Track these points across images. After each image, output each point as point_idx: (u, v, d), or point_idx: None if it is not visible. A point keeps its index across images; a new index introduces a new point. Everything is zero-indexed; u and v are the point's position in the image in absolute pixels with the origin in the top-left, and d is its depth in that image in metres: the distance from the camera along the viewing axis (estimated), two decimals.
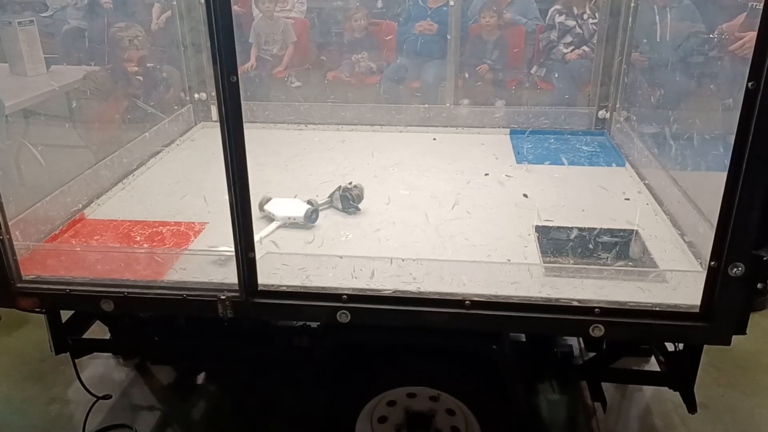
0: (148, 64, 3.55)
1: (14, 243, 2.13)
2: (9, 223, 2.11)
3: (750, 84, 1.60)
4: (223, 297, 2.05)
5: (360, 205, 2.63)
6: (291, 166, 3.15)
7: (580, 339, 3.07)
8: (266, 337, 2.65)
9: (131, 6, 4.28)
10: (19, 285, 2.15)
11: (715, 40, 2.94)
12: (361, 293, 2.03)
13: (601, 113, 3.55)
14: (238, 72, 1.78)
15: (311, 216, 2.49)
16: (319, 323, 2.41)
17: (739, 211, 1.72)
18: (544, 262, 2.21)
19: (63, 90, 3.93)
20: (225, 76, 1.76)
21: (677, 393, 2.38)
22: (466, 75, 4.27)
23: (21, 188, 2.56)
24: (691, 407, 2.32)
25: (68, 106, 4.15)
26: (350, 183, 2.63)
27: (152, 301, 2.11)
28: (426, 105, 3.78)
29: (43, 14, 4.93)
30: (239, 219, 1.92)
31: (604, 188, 2.84)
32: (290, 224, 2.49)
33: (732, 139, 1.69)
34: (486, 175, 3.01)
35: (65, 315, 2.54)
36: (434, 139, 3.57)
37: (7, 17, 4.16)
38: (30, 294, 2.15)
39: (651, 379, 2.63)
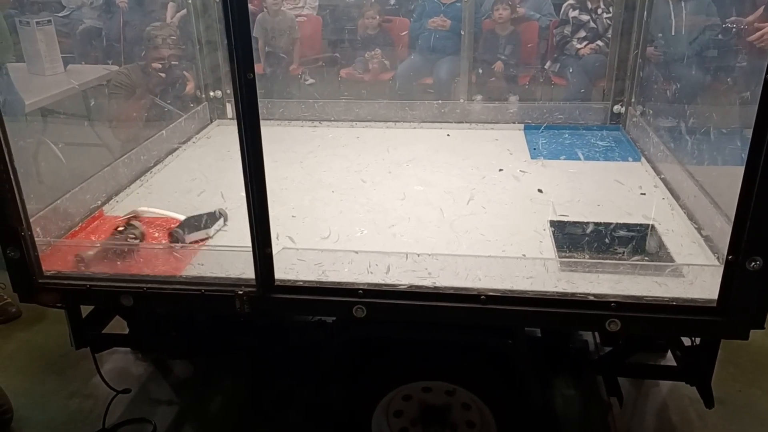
0: (173, 63, 3.61)
1: (35, 239, 2.17)
2: (30, 220, 2.15)
3: None
4: (241, 292, 2.07)
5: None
6: (306, 163, 3.17)
7: (596, 333, 3.06)
8: (282, 331, 2.67)
9: (146, 5, 4.32)
10: (40, 280, 2.18)
11: (733, 30, 2.92)
12: (377, 288, 2.04)
13: (616, 108, 3.53)
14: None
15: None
16: (335, 318, 2.43)
17: (757, 205, 1.71)
18: (560, 257, 2.20)
19: (82, 88, 3.98)
20: (242, 74, 1.78)
21: (694, 388, 2.37)
22: (480, 71, 4.27)
23: (41, 186, 2.59)
24: (708, 402, 2.30)
25: (86, 105, 4.21)
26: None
27: (171, 297, 2.13)
28: (440, 101, 3.78)
29: (60, 14, 5.00)
30: (256, 215, 1.94)
31: (620, 183, 2.83)
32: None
33: (749, 132, 1.68)
34: (500, 170, 3.01)
35: (84, 310, 2.57)
36: (448, 135, 3.57)
37: (26, 17, 4.22)
38: (51, 289, 2.19)
39: (668, 373, 2.61)
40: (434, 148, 3.33)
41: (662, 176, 2.84)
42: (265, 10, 5.24)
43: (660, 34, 3.32)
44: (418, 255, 2.14)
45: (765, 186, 1.68)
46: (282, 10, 5.32)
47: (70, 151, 2.93)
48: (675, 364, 2.48)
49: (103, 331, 2.65)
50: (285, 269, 2.11)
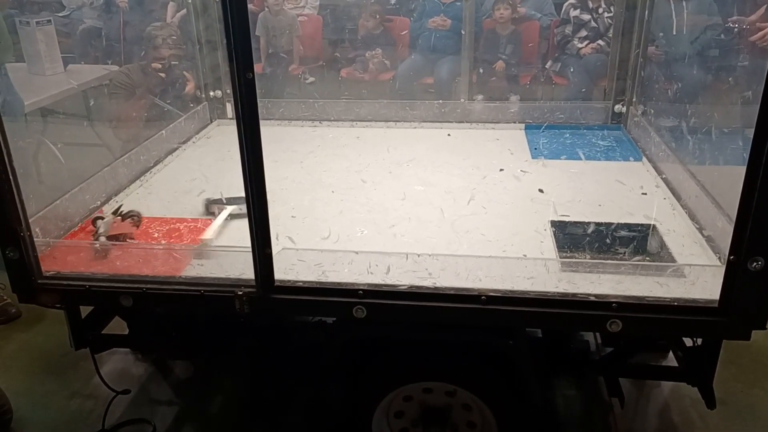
0: (173, 63, 3.61)
1: (34, 239, 2.16)
2: (29, 220, 2.14)
3: None
4: (240, 293, 2.06)
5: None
6: (306, 163, 3.16)
7: (597, 334, 3.05)
8: (283, 332, 2.67)
9: (147, 5, 4.32)
10: (40, 281, 2.17)
11: (735, 30, 2.91)
12: (377, 289, 2.03)
13: (618, 107, 3.52)
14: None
15: None
16: (335, 318, 2.42)
17: (758, 205, 1.70)
18: (561, 257, 2.20)
19: (81, 88, 3.97)
20: (241, 73, 1.77)
21: (695, 389, 2.36)
22: (481, 70, 4.26)
23: (40, 186, 2.59)
24: (710, 403, 2.30)
25: (85, 105, 4.20)
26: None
27: (170, 297, 2.12)
28: (440, 101, 3.77)
29: (60, 14, 4.99)
30: (256, 215, 1.94)
31: (621, 183, 2.82)
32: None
33: (751, 132, 1.67)
34: (501, 170, 3.00)
35: (84, 311, 2.56)
36: (449, 135, 3.56)
37: (26, 17, 4.22)
38: (51, 290, 2.18)
39: (669, 374, 2.61)
40: (435, 147, 3.33)
41: (663, 176, 2.83)
42: (266, 9, 5.24)
43: (661, 34, 3.31)
44: (419, 255, 2.13)
45: (766, 186, 1.67)
46: (283, 9, 5.32)
47: (69, 151, 2.93)
48: (676, 364, 2.47)
49: (103, 332, 2.65)
50: (285, 270, 2.10)
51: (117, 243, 2.36)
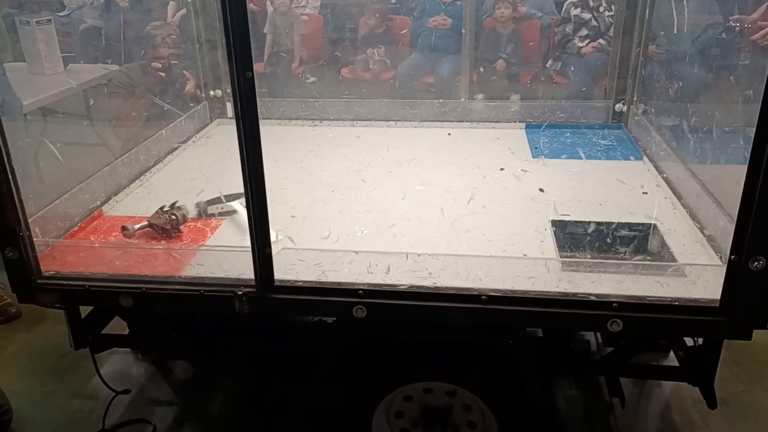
0: (172, 62, 3.60)
1: (34, 239, 2.16)
2: (29, 220, 2.14)
3: None
4: (240, 293, 2.06)
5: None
6: (306, 162, 3.16)
7: (598, 334, 3.05)
8: (283, 332, 2.66)
9: (147, 4, 4.31)
10: (39, 281, 2.17)
11: (736, 28, 2.90)
12: (377, 288, 2.03)
13: (618, 106, 3.52)
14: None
15: None
16: (335, 318, 2.42)
17: (759, 204, 1.69)
18: (561, 257, 2.19)
19: (81, 88, 3.97)
20: (240, 73, 1.77)
21: (697, 389, 2.35)
22: (481, 69, 4.25)
23: (40, 186, 2.59)
24: (711, 403, 2.29)
25: (85, 104, 4.20)
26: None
27: (170, 297, 2.12)
28: (441, 100, 3.77)
29: (60, 13, 4.98)
30: (255, 215, 1.93)
31: (622, 182, 2.82)
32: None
33: (752, 131, 1.66)
34: (502, 169, 3.00)
35: (84, 311, 2.56)
36: (449, 134, 3.56)
37: (26, 16, 4.21)
38: (50, 290, 2.18)
39: (670, 374, 2.60)
40: (435, 147, 3.32)
41: (664, 175, 2.82)
42: (274, 8, 5.25)
43: (662, 32, 3.30)
44: (419, 255, 2.12)
45: None
46: (291, 8, 5.33)
47: (69, 151, 2.92)
48: (677, 364, 2.46)
49: (103, 332, 2.64)
50: (285, 269, 2.10)
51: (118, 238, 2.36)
